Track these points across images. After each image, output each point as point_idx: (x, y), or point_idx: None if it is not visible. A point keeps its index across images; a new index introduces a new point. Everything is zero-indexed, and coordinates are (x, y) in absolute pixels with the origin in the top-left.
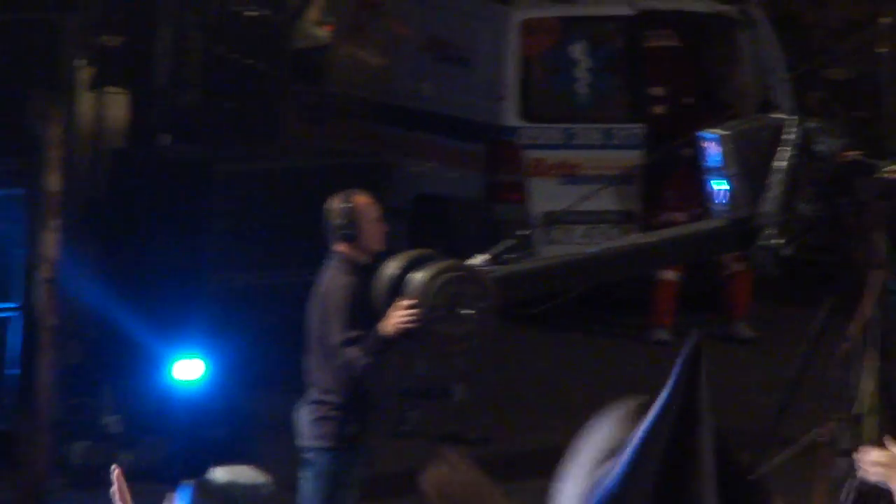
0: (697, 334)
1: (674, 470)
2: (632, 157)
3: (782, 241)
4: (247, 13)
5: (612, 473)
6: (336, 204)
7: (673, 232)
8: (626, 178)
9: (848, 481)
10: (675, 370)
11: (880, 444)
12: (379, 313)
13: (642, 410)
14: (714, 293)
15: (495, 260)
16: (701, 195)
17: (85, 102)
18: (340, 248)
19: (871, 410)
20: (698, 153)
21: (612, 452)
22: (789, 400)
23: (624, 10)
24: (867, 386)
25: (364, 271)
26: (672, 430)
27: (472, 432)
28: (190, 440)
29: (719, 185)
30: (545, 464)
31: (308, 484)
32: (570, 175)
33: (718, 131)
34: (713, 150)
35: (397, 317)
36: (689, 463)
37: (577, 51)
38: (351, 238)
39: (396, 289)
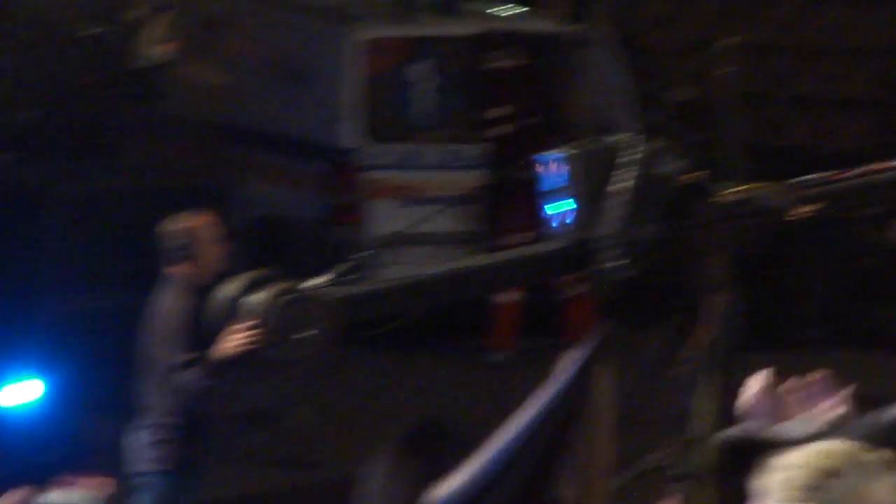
0: (605, 329)
1: (546, 467)
2: (474, 178)
3: (623, 263)
4: (83, 32)
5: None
6: (175, 225)
7: (513, 253)
8: (469, 199)
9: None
10: (569, 368)
11: (716, 470)
12: (217, 335)
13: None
14: (555, 315)
15: (335, 282)
16: (543, 216)
17: None
18: (179, 269)
19: (710, 435)
20: (540, 174)
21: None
22: (627, 423)
23: (466, 31)
24: (705, 410)
25: (202, 293)
26: (558, 426)
27: (310, 456)
28: (23, 463)
29: (561, 206)
30: None
31: None
32: (413, 196)
33: (562, 151)
34: (557, 171)
35: (235, 339)
36: (561, 463)
37: (420, 71)
38: (190, 259)
39: (234, 311)
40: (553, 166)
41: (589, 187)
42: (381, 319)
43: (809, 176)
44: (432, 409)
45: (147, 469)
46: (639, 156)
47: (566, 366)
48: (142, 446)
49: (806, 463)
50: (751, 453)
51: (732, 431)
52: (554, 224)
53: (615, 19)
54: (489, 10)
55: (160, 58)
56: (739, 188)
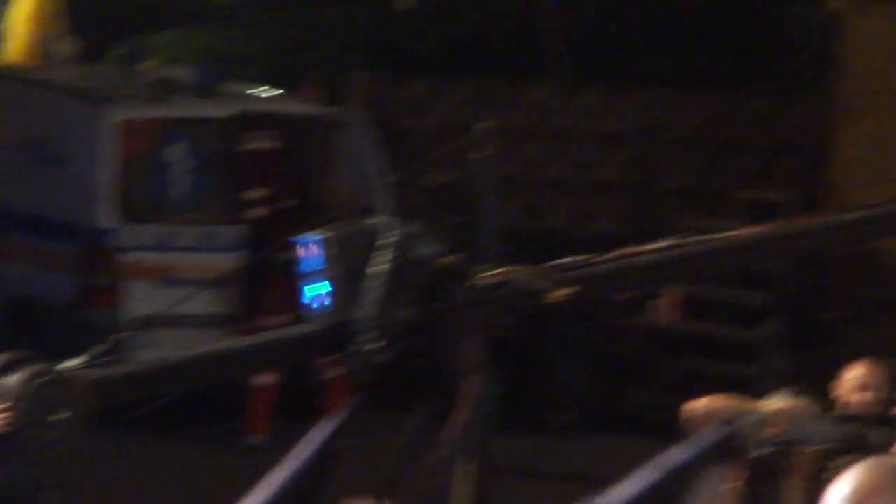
0: (350, 406)
1: None
2: (230, 260)
3: (378, 346)
4: None
5: None
6: None
7: (268, 336)
8: (224, 280)
9: None
10: (312, 444)
11: None
12: None
13: None
14: (312, 397)
15: (90, 364)
16: (299, 299)
17: None
18: None
19: None
20: (298, 256)
21: None
22: None
23: (222, 112)
24: (461, 493)
25: None
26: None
27: None
28: None
29: (319, 288)
30: None
31: None
32: (168, 277)
33: (319, 233)
34: (313, 253)
35: None
36: None
37: (176, 152)
38: None
39: None
40: (311, 248)
41: (346, 269)
42: (136, 402)
43: (565, 259)
44: (189, 493)
45: None
46: (395, 239)
47: (309, 442)
48: None
49: None
50: None
51: None
52: (312, 306)
53: (372, 102)
54: (246, 92)
55: None
56: (496, 271)
